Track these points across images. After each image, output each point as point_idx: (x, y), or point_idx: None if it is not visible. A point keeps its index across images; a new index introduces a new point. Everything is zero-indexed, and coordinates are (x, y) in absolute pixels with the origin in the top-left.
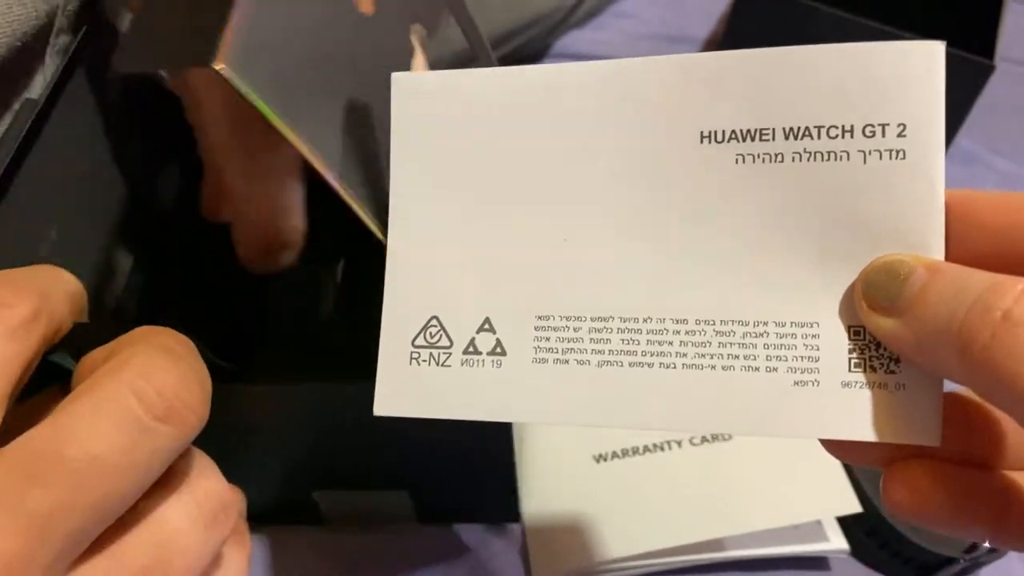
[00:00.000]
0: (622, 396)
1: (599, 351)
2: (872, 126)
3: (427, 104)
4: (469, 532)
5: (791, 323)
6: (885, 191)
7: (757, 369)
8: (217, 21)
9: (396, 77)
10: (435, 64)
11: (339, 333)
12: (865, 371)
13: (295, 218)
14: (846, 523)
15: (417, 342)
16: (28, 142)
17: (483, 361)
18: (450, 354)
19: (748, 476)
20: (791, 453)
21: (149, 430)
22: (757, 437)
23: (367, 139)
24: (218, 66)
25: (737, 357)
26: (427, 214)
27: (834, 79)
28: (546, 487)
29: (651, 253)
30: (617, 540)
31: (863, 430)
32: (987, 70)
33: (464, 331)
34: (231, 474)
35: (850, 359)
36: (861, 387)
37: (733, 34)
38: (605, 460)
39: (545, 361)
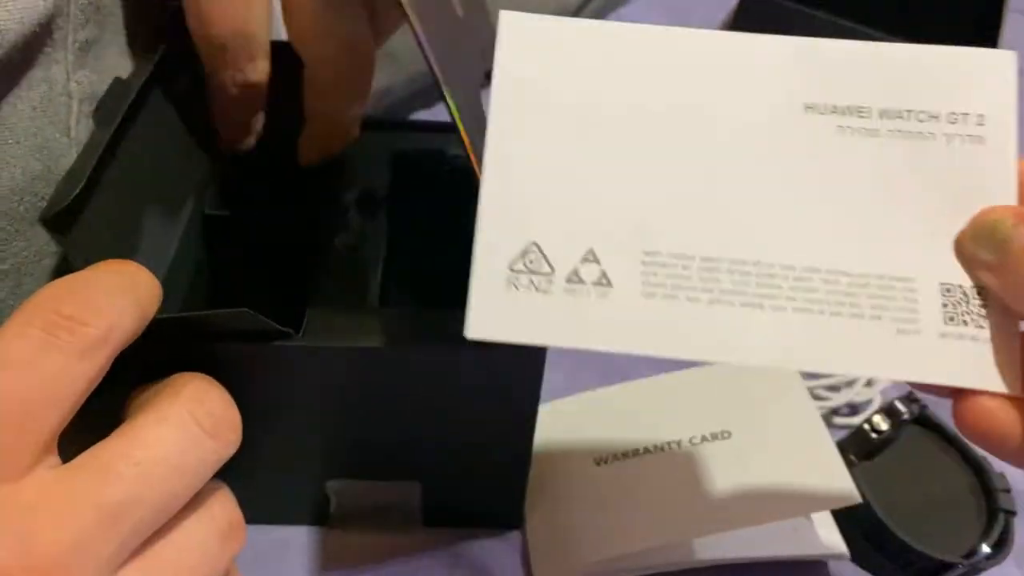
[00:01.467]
0: (734, 333)
1: (709, 290)
2: (955, 114)
3: (534, 45)
4: (470, 536)
5: (890, 277)
6: (966, 169)
7: (862, 316)
8: None
9: (504, 14)
10: None
11: (384, 305)
12: (959, 324)
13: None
14: (844, 527)
15: (515, 267)
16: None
17: (587, 291)
18: (552, 281)
19: (748, 474)
20: (790, 449)
21: (202, 442)
22: (780, 426)
23: (475, 106)
24: None
25: (843, 304)
26: (527, 147)
27: (926, 72)
28: (547, 490)
29: (758, 201)
30: (618, 541)
31: (957, 376)
32: None
33: (566, 259)
34: (258, 454)
35: (945, 313)
36: (956, 338)
37: None
38: (605, 463)
39: (653, 295)
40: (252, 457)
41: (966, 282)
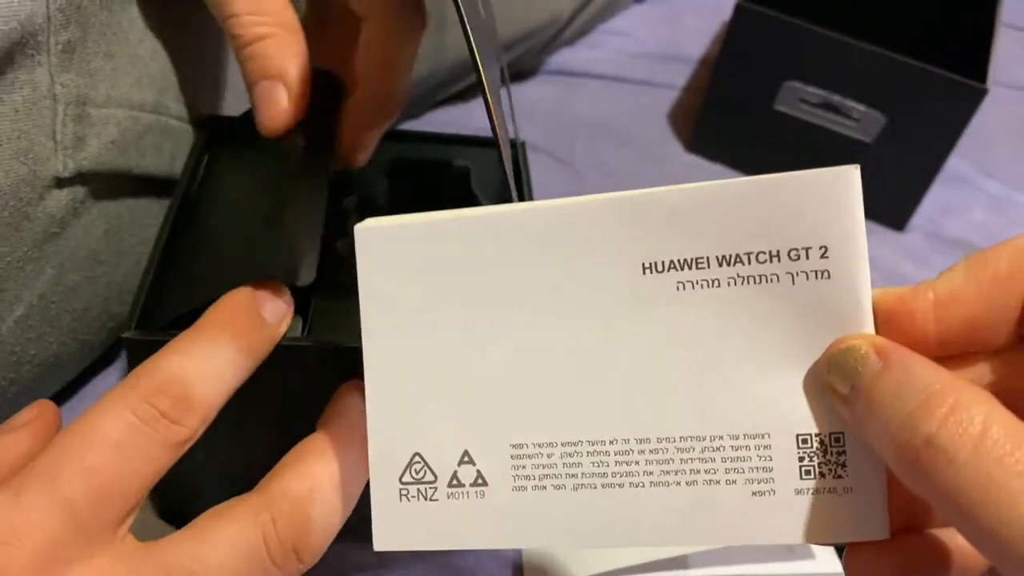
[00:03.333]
0: (598, 517)
1: (572, 475)
2: (796, 250)
3: (389, 251)
4: (463, 551)
5: (743, 435)
6: (815, 308)
7: (718, 482)
8: None
9: (359, 229)
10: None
11: None
12: (815, 477)
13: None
14: (839, 545)
15: (404, 479)
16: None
17: (467, 493)
18: (436, 488)
19: None
20: None
21: (267, 570)
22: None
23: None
24: None
25: (699, 472)
26: (398, 355)
27: (758, 208)
28: None
29: (609, 377)
30: (612, 554)
31: (817, 533)
32: (979, 93)
33: (446, 465)
34: (252, 456)
35: (800, 467)
36: (813, 493)
37: (728, 54)
38: None
39: (524, 488)
40: (246, 459)
41: (824, 430)
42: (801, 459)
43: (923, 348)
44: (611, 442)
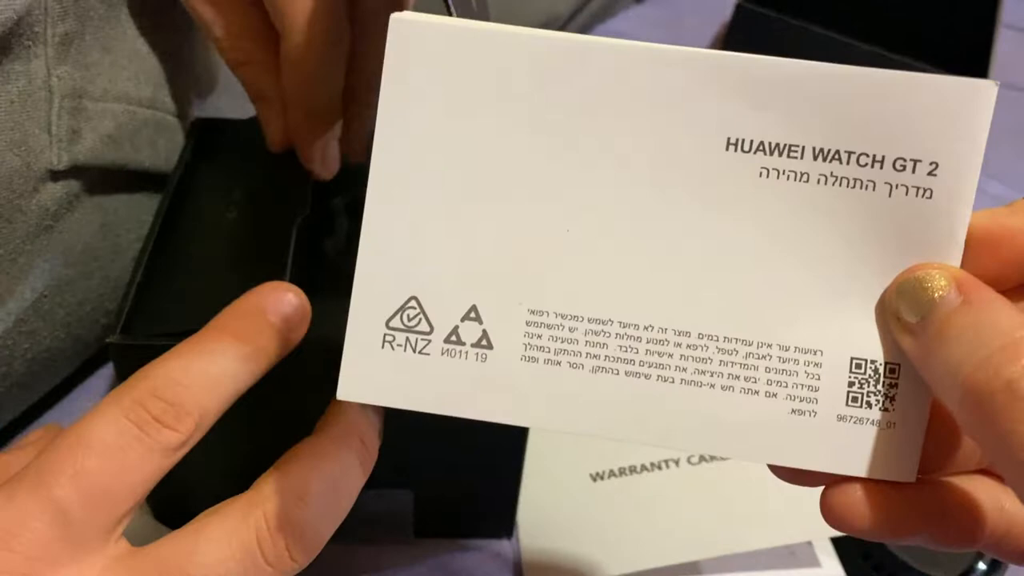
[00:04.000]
0: (613, 407)
1: (594, 355)
2: (903, 159)
3: (428, 56)
4: (462, 548)
5: (795, 348)
6: (905, 227)
7: (756, 392)
8: None
9: (397, 18)
10: None
11: None
12: (861, 406)
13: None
14: (841, 548)
15: (392, 323)
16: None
17: (466, 352)
18: (429, 341)
19: (746, 496)
20: None
21: (260, 569)
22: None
23: None
24: None
25: (738, 378)
26: (415, 182)
27: (873, 105)
28: (542, 505)
29: (659, 257)
30: (613, 560)
31: (849, 465)
32: None
33: (447, 317)
34: (246, 460)
35: (848, 392)
36: (854, 422)
37: None
38: (602, 479)
39: (535, 360)
40: (243, 462)
41: (880, 357)
42: (851, 384)
43: (1018, 274)
44: (646, 328)
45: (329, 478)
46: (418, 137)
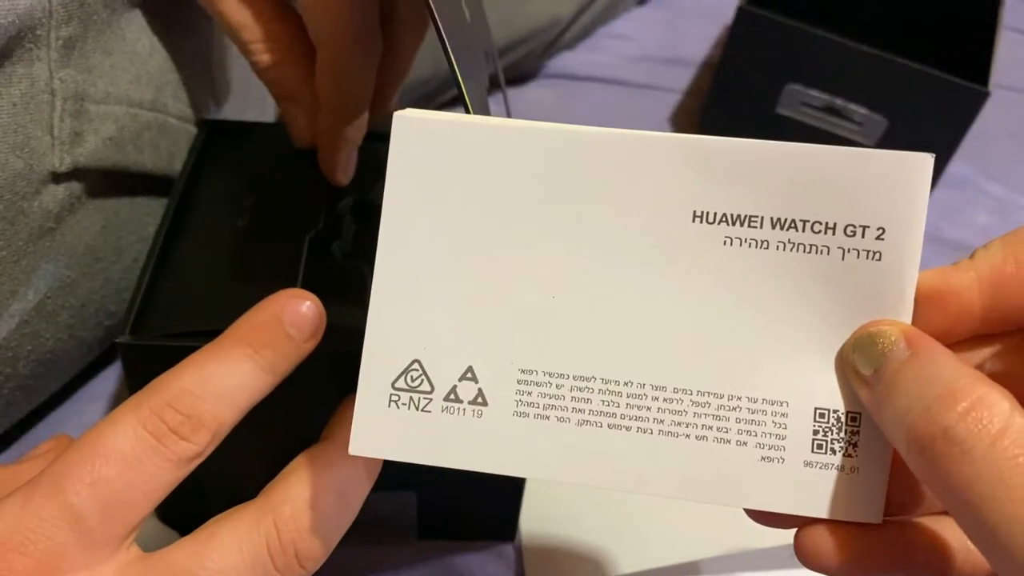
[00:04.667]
0: (599, 456)
1: (579, 410)
2: (853, 226)
3: (426, 148)
4: (464, 550)
5: (763, 400)
6: (859, 287)
7: (728, 442)
8: None
9: (398, 116)
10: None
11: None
12: (826, 452)
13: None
14: None
15: (397, 384)
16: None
17: (463, 410)
18: (430, 399)
19: None
20: None
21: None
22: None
23: (483, 107)
24: None
25: (710, 428)
26: (417, 256)
27: (824, 178)
28: (544, 506)
29: (636, 318)
30: (615, 559)
31: (817, 507)
32: (981, 96)
33: (446, 378)
34: (251, 463)
35: (813, 440)
36: (820, 467)
37: (730, 57)
38: None
39: (526, 415)
40: (252, 466)
41: (841, 407)
42: (815, 432)
43: (966, 326)
44: (626, 383)
45: (337, 486)
46: (419, 216)
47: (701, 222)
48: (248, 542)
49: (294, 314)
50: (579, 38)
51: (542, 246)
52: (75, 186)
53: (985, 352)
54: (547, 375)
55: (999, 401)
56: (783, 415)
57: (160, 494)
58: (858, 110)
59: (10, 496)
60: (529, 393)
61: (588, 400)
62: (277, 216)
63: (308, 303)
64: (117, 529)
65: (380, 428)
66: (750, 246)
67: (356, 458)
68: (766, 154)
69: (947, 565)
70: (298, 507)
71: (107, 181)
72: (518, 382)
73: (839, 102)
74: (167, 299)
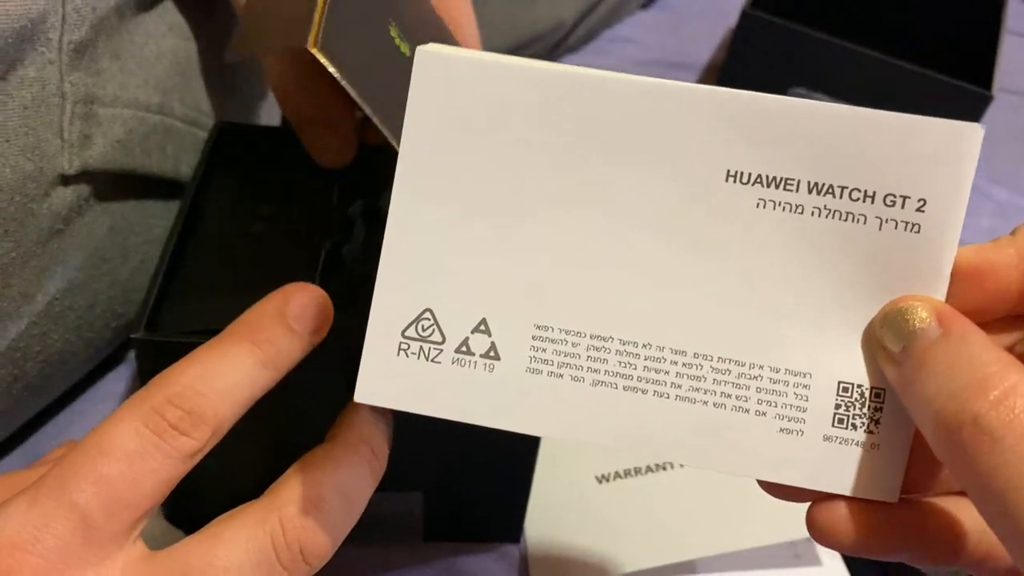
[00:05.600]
0: (612, 418)
1: (595, 370)
2: (893, 196)
3: (448, 87)
4: (469, 552)
5: (786, 370)
6: (894, 260)
7: (747, 411)
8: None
9: (422, 50)
10: None
11: None
12: (847, 427)
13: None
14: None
15: (407, 333)
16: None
17: (475, 363)
18: (441, 350)
19: (749, 494)
20: None
21: (276, 574)
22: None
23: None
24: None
25: (729, 396)
26: (433, 203)
27: (866, 144)
28: (549, 508)
29: (659, 279)
30: (619, 559)
31: (833, 482)
32: (985, 100)
33: (458, 329)
34: (258, 462)
35: (835, 414)
36: (840, 443)
37: (734, 60)
38: (607, 480)
39: (539, 372)
40: (257, 466)
41: (866, 382)
42: (838, 406)
43: (1003, 305)
44: (644, 345)
45: (341, 485)
46: (438, 160)
47: (735, 181)
48: (254, 540)
49: (298, 307)
50: (583, 42)
51: (566, 198)
52: (83, 188)
53: (1020, 332)
54: (563, 332)
55: None
56: (805, 387)
57: (163, 490)
58: None
59: (16, 497)
60: (543, 350)
61: (604, 360)
62: (291, 224)
63: (312, 295)
64: (122, 526)
65: (387, 377)
66: (784, 210)
67: (360, 458)
68: (808, 115)
69: (960, 546)
70: (303, 506)
71: (115, 184)
72: (533, 338)
73: None
74: (180, 299)
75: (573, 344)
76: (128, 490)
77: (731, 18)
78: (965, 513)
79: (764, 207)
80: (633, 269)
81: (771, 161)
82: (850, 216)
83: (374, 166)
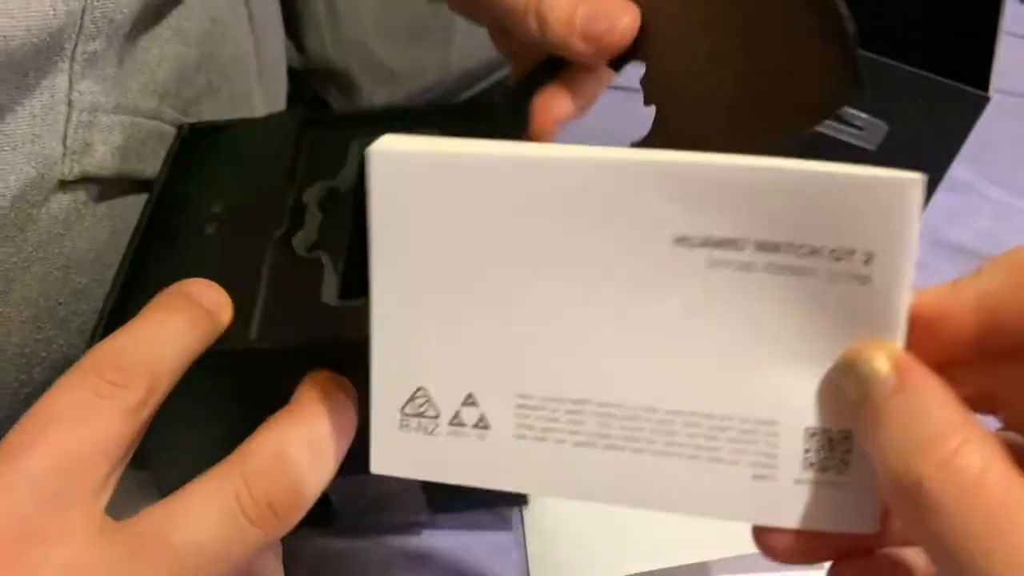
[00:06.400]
0: (595, 476)
1: (575, 432)
2: (839, 250)
3: (404, 181)
4: (471, 553)
5: (754, 420)
6: (848, 311)
7: (720, 460)
8: None
9: (372, 152)
10: None
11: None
12: (818, 470)
13: None
14: None
15: (406, 410)
16: None
17: (468, 433)
18: (437, 424)
19: None
20: None
21: (245, 532)
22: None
23: None
24: None
25: (703, 448)
26: (407, 286)
27: (808, 199)
28: (550, 506)
29: (626, 343)
30: (620, 560)
31: (808, 521)
32: (982, 101)
33: (449, 403)
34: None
35: (805, 458)
36: (812, 484)
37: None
38: None
39: (525, 437)
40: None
41: (833, 426)
42: (807, 451)
43: (961, 349)
44: (618, 405)
45: (304, 437)
46: (407, 252)
47: (684, 245)
48: (216, 498)
49: (204, 291)
50: None
51: (529, 273)
52: (80, 194)
53: (984, 373)
54: (543, 399)
55: (975, 452)
56: (774, 434)
57: (114, 448)
58: (859, 115)
59: None
60: (527, 416)
61: (583, 423)
62: (242, 219)
63: (212, 290)
64: (80, 491)
65: (394, 449)
66: (735, 268)
67: (322, 412)
68: (751, 174)
69: None
70: (266, 459)
71: (113, 189)
72: (517, 407)
73: None
74: (139, 305)
75: (553, 410)
76: (78, 449)
77: None
78: (918, 559)
79: (715, 267)
80: (600, 335)
81: (716, 223)
82: (800, 270)
83: (328, 146)
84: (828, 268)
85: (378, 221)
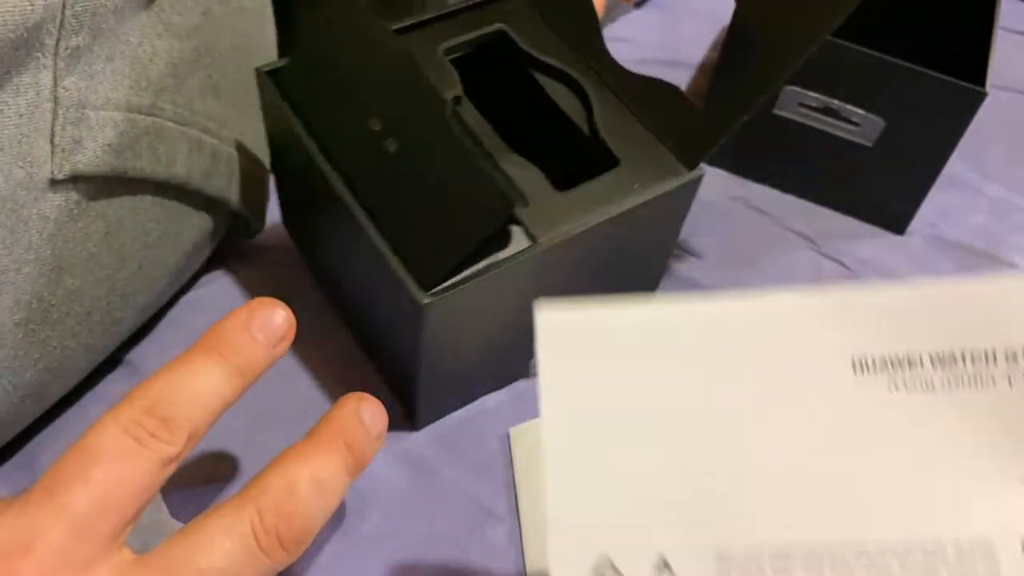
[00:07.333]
0: None
1: None
2: (1013, 350)
3: (572, 340)
4: (463, 532)
5: (967, 541)
6: None
7: None
8: None
9: (544, 320)
10: None
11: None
12: None
13: None
14: None
15: None
16: None
17: None
18: None
19: None
20: None
21: (258, 559)
22: None
23: None
24: None
25: None
26: (582, 446)
27: (977, 308)
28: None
29: (818, 480)
30: None
31: None
32: (978, 97)
33: (639, 570)
34: None
35: None
36: None
37: (727, 59)
38: None
39: None
40: None
41: None
42: None
43: None
44: (828, 549)
45: (313, 475)
46: (579, 412)
47: (863, 371)
48: (235, 527)
49: (261, 320)
50: None
51: (709, 420)
52: (72, 194)
53: None
54: (744, 554)
55: None
56: (991, 554)
57: (146, 494)
58: (855, 111)
59: (7, 507)
60: (729, 573)
61: (791, 572)
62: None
63: (280, 310)
64: (110, 528)
65: None
66: (917, 389)
67: (333, 450)
68: (916, 294)
69: None
70: (277, 494)
71: (107, 188)
72: (716, 564)
73: (836, 103)
74: None
75: (757, 564)
76: (114, 491)
77: (725, 17)
78: None
79: (897, 390)
80: (791, 474)
81: (890, 343)
82: (979, 379)
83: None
84: (1005, 371)
85: (548, 384)
